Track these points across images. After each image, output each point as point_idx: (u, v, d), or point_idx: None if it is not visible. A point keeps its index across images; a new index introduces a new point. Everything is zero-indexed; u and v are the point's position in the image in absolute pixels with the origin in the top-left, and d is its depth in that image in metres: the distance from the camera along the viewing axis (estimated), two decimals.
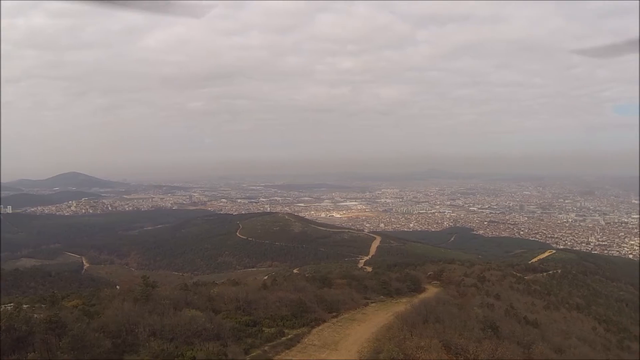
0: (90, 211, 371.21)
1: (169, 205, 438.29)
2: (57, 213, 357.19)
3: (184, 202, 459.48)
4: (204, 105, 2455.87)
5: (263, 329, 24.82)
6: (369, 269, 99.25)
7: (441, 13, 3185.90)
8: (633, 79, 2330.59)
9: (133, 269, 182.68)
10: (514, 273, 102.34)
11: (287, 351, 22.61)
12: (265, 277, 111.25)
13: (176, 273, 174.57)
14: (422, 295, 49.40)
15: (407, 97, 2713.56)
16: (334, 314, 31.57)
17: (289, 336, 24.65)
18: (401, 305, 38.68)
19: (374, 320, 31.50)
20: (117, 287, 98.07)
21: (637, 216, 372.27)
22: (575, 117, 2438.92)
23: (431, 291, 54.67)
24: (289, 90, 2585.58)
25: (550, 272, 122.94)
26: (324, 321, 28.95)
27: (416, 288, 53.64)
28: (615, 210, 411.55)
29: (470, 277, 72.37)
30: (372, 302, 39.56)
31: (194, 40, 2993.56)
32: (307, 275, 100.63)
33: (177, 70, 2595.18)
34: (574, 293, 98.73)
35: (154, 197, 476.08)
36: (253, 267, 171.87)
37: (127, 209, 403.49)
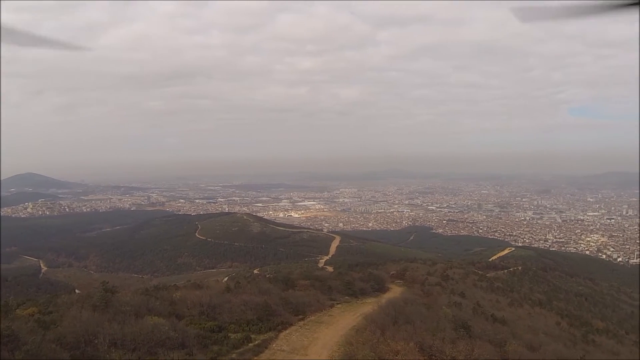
0: (48, 213, 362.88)
1: (127, 206, 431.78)
2: (13, 215, 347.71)
3: (142, 202, 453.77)
4: (165, 104, 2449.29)
5: (229, 334, 23.49)
6: (330, 268, 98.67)
7: (402, 14, 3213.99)
8: (586, 82, 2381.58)
9: (92, 272, 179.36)
10: (476, 271, 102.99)
11: (255, 358, 21.48)
12: (226, 279, 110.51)
13: (136, 275, 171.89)
14: (387, 295, 48.91)
15: (366, 97, 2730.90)
16: (300, 316, 30.47)
17: (257, 342, 23.36)
18: (367, 306, 38.05)
19: (341, 322, 30.56)
20: (77, 291, 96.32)
21: (593, 214, 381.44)
22: (533, 118, 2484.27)
23: (395, 291, 54.14)
24: (248, 90, 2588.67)
25: (511, 269, 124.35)
26: (291, 324, 27.87)
27: (380, 288, 53.01)
28: (571, 208, 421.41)
29: (433, 275, 72.16)
30: (337, 303, 38.55)
31: (155, 38, 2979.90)
32: (267, 275, 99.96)
33: (137, 69, 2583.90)
34: (535, 289, 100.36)
35: (112, 198, 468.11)
36: (213, 268, 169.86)
37: (85, 210, 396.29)
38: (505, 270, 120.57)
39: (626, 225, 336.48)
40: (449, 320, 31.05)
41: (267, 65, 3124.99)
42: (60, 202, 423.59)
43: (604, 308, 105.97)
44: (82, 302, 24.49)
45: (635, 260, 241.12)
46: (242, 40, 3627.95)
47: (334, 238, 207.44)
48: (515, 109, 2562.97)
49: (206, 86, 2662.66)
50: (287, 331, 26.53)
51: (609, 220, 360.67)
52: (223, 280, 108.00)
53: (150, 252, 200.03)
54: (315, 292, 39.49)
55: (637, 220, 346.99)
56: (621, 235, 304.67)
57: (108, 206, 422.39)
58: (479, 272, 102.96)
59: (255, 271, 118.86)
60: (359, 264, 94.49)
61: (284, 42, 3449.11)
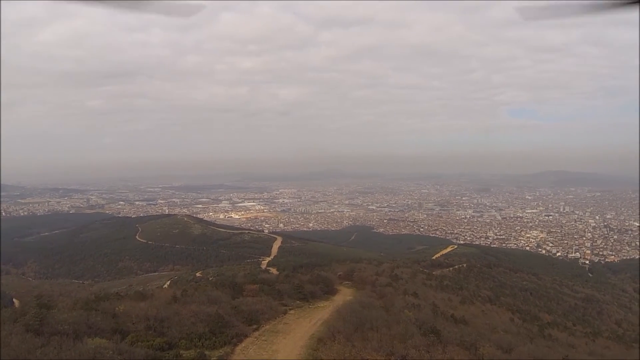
0: None
1: (66, 209, 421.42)
2: None
3: (81, 205, 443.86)
4: (104, 103, 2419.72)
5: (181, 352, 21.00)
6: (274, 270, 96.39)
7: (345, 15, 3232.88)
8: (525, 85, 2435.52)
9: (31, 279, 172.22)
10: (422, 269, 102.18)
11: None
12: (169, 282, 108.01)
13: (76, 281, 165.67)
14: (337, 298, 47.67)
15: (306, 97, 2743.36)
16: (254, 326, 28.17)
17: (213, 359, 21.29)
18: (321, 311, 36.71)
19: (298, 330, 28.54)
20: (14, 300, 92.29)
21: (532, 211, 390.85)
22: (472, 119, 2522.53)
23: (344, 292, 52.70)
24: (188, 89, 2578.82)
25: (456, 266, 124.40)
26: (246, 336, 25.63)
27: (329, 290, 51.39)
28: (511, 206, 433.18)
29: (382, 275, 70.46)
30: (290, 309, 36.48)
31: (94, 35, 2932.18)
32: (211, 278, 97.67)
33: (76, 67, 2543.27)
34: (482, 286, 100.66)
35: (50, 201, 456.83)
36: (154, 272, 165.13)
37: (22, 214, 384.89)
38: (451, 268, 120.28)
39: (563, 222, 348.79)
40: (412, 324, 29.35)
41: (208, 65, 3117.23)
42: None
43: (548, 301, 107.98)
44: (14, 321, 21.68)
45: (573, 255, 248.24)
46: (183, 39, 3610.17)
47: (276, 239, 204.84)
48: (455, 109, 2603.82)
49: (146, 85, 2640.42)
50: (243, 344, 24.32)
51: (547, 217, 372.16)
52: (165, 285, 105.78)
53: (91, 256, 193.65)
54: (266, 298, 37.28)
55: (574, 216, 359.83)
56: (559, 231, 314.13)
57: (46, 209, 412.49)
58: (425, 270, 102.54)
59: (198, 274, 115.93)
60: (303, 265, 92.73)
61: (226, 41, 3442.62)
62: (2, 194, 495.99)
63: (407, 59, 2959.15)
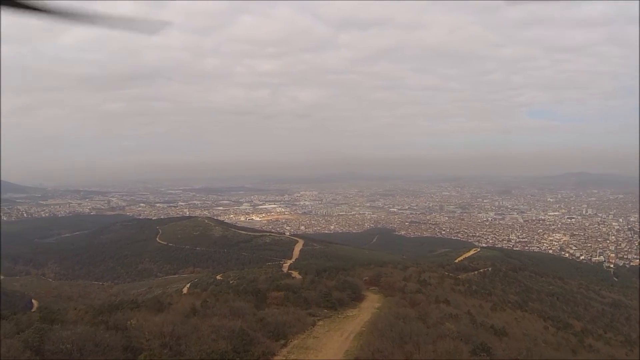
0: (5, 218, 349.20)
1: (87, 210, 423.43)
2: None
3: (102, 207, 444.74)
4: (123, 106, 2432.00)
5: None
6: (296, 273, 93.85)
7: (362, 17, 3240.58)
8: (544, 86, 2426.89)
9: (50, 280, 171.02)
10: (448, 274, 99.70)
11: None
12: (188, 286, 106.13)
13: (96, 282, 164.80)
14: (365, 305, 45.01)
15: (325, 100, 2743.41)
16: (282, 342, 25.48)
17: None
18: (351, 321, 34.02)
19: (330, 346, 25.82)
20: (33, 301, 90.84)
21: (554, 213, 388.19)
22: (491, 120, 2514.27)
23: (372, 299, 50.05)
24: (207, 92, 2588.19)
25: (481, 270, 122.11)
26: (274, 354, 22.86)
27: (357, 296, 48.73)
28: (532, 209, 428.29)
29: (410, 281, 67.72)
30: (318, 319, 33.63)
31: (113, 38, 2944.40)
32: (231, 282, 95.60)
33: (95, 70, 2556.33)
34: (508, 290, 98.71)
35: (71, 203, 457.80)
36: (174, 274, 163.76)
37: (43, 215, 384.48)
38: (476, 272, 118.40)
39: (586, 224, 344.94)
40: (456, 338, 26.68)
41: (227, 68, 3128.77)
42: (18, 207, 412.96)
43: (575, 307, 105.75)
44: (13, 335, 19.24)
45: (597, 258, 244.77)
46: (202, 41, 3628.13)
47: (297, 241, 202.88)
48: (473, 111, 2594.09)
49: (165, 88, 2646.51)
50: None
51: (569, 220, 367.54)
52: (185, 288, 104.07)
53: (111, 258, 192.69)
54: (293, 309, 34.60)
55: (597, 219, 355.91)
56: (582, 234, 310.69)
57: (67, 211, 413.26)
58: (451, 274, 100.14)
59: (219, 277, 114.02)
60: (327, 269, 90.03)
61: (244, 44, 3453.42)
62: (23, 195, 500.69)
63: (424, 60, 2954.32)
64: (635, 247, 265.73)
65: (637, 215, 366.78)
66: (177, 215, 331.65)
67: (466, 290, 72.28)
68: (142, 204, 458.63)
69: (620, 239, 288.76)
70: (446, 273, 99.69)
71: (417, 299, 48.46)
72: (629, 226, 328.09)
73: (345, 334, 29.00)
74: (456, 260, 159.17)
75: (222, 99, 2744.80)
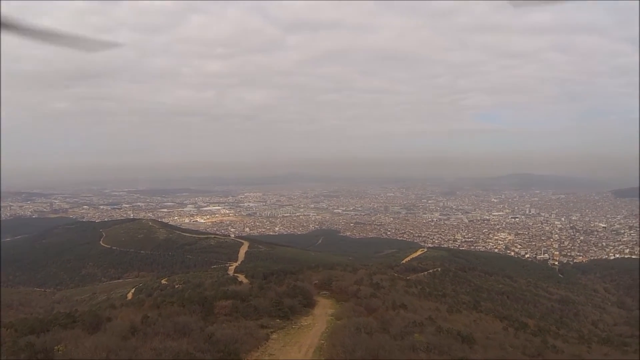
0: None
1: (29, 213, 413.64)
2: None
3: (45, 209, 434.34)
4: (69, 106, 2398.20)
5: None
6: (243, 277, 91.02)
7: (313, 19, 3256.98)
8: (490, 90, 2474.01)
9: None
10: (398, 275, 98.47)
11: None
12: (132, 291, 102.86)
13: (38, 289, 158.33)
14: (318, 311, 42.98)
15: (272, 101, 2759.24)
16: None
17: None
18: (307, 332, 31.61)
19: None
20: None
21: (498, 213, 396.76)
22: (438, 123, 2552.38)
23: (324, 304, 47.95)
24: (154, 92, 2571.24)
25: (430, 270, 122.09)
26: None
27: (309, 302, 46.34)
28: (477, 209, 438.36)
29: (362, 284, 65.31)
30: (271, 332, 30.76)
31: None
32: (177, 286, 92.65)
33: (40, 67, 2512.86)
34: (459, 290, 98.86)
35: (12, 205, 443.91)
36: (119, 279, 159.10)
37: None
38: (425, 273, 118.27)
39: (530, 224, 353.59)
40: (426, 350, 24.22)
41: (175, 68, 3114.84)
42: None
43: (525, 304, 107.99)
44: None
45: (542, 256, 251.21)
46: (151, 40, 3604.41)
47: (242, 243, 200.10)
48: (420, 114, 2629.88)
49: (113, 88, 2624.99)
50: None
51: (513, 219, 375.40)
52: (129, 294, 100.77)
53: (53, 263, 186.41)
54: (243, 322, 31.60)
55: (540, 218, 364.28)
56: (526, 233, 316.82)
57: (8, 214, 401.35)
58: (399, 275, 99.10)
59: (164, 281, 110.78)
60: (274, 273, 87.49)
61: (194, 44, 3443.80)
62: None
63: (373, 63, 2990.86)
64: (577, 245, 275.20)
65: (578, 214, 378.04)
66: (121, 218, 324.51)
67: (420, 293, 70.41)
68: (85, 206, 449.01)
69: (563, 237, 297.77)
70: (396, 274, 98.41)
71: (373, 304, 46.04)
72: (571, 225, 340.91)
73: (304, 348, 26.26)
74: (403, 261, 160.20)
75: (169, 100, 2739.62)
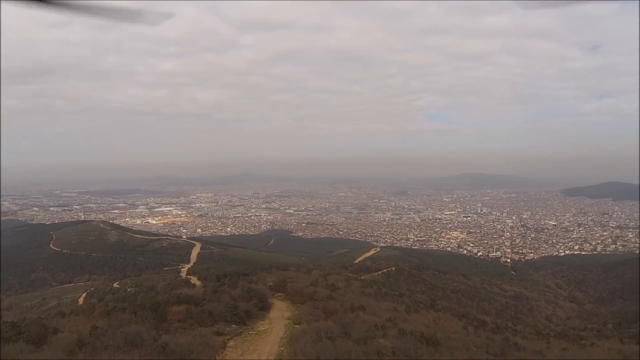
0: None
1: None
2: None
3: None
4: (19, 103, 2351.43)
5: None
6: (196, 279, 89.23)
7: (268, 18, 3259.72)
8: (443, 91, 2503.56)
9: None
10: (353, 275, 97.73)
11: None
12: (84, 295, 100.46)
13: None
14: (274, 314, 41.46)
15: (225, 101, 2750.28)
16: None
17: None
18: (265, 339, 30.21)
19: None
20: None
21: (450, 212, 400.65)
22: (390, 123, 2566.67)
23: (280, 307, 46.59)
24: (107, 91, 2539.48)
25: (385, 270, 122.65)
26: None
27: (264, 306, 44.92)
28: (429, 208, 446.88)
29: (317, 286, 64.16)
30: (228, 339, 29.28)
31: (10, 30, 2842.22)
32: (129, 289, 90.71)
33: None
34: (414, 289, 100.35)
35: None
36: (70, 283, 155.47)
37: None
38: (380, 272, 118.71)
39: (482, 222, 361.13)
40: (393, 356, 23.17)
41: (128, 66, 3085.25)
42: None
43: (480, 302, 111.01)
44: None
45: (494, 254, 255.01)
46: (103, 38, 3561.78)
47: (194, 245, 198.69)
48: (373, 114, 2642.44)
49: (64, 85, 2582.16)
50: None
51: (465, 218, 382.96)
52: (81, 298, 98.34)
53: (1, 267, 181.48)
54: (198, 329, 30.14)
55: (491, 217, 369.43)
56: (478, 231, 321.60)
57: None
58: (353, 275, 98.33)
59: (116, 285, 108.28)
60: (228, 275, 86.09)
61: (147, 42, 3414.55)
62: None
63: (327, 63, 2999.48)
64: (528, 242, 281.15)
65: (528, 213, 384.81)
66: (72, 220, 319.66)
67: (376, 293, 69.73)
68: (35, 208, 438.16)
69: (515, 235, 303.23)
70: (351, 275, 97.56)
71: (331, 306, 44.85)
72: (522, 223, 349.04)
73: (263, 356, 24.95)
74: (357, 261, 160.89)
75: (122, 98, 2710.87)
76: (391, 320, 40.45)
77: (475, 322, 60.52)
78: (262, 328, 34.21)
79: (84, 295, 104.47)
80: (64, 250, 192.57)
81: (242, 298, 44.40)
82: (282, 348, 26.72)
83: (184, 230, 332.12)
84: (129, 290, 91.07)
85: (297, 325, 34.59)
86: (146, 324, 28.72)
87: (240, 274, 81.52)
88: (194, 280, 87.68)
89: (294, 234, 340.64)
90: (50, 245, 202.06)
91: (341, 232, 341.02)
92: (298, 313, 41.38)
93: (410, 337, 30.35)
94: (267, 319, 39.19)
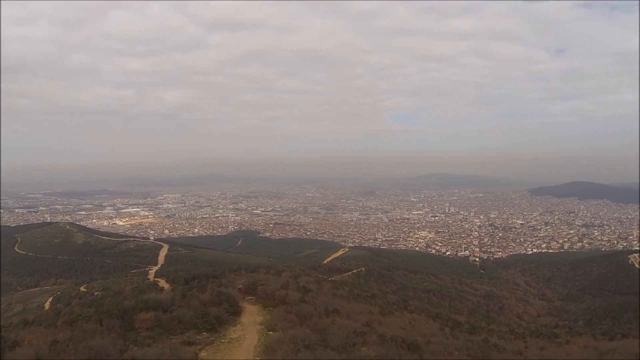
0: None
1: None
2: None
3: None
4: None
5: None
6: (164, 282, 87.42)
7: (235, 18, 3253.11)
8: (410, 92, 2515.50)
9: None
10: (323, 276, 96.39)
11: None
12: (50, 300, 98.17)
13: None
14: (245, 319, 40.02)
15: (192, 101, 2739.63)
16: None
17: None
18: (239, 348, 29.04)
19: None
20: None
21: (418, 212, 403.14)
22: (357, 124, 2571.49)
23: (251, 311, 45.06)
24: (73, 90, 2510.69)
25: (355, 271, 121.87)
26: None
27: (235, 310, 43.50)
28: (397, 208, 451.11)
29: (289, 288, 62.79)
30: (199, 348, 27.92)
31: None
32: (96, 293, 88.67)
33: None
34: (385, 290, 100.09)
35: None
36: (36, 287, 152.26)
37: None
38: (350, 273, 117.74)
39: (450, 222, 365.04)
40: None
41: (95, 65, 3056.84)
42: None
43: (452, 301, 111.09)
44: None
45: (463, 253, 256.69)
46: (70, 36, 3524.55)
47: (162, 246, 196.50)
48: (340, 115, 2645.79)
49: (30, 83, 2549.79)
50: None
51: (433, 218, 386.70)
52: (47, 303, 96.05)
53: None
54: (168, 339, 28.64)
55: (459, 216, 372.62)
56: (446, 231, 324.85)
57: None
58: (326, 277, 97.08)
59: (82, 288, 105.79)
60: (196, 277, 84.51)
61: (114, 40, 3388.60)
62: None
63: (294, 64, 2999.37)
64: (496, 241, 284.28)
65: (496, 212, 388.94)
66: (38, 222, 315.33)
67: (348, 295, 68.81)
68: None
69: (483, 234, 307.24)
70: (321, 276, 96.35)
71: (304, 310, 43.48)
72: (490, 222, 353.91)
73: None
74: (325, 261, 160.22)
75: (88, 98, 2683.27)
76: (369, 324, 39.48)
77: (450, 322, 60.33)
78: (235, 335, 32.88)
79: (50, 299, 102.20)
80: (29, 254, 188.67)
81: (212, 303, 42.81)
82: (257, 358, 25.48)
83: (151, 232, 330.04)
84: (95, 294, 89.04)
85: (271, 332, 33.42)
86: (112, 334, 27.21)
87: (209, 276, 79.76)
88: (162, 283, 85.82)
89: (261, 235, 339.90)
90: (15, 248, 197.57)
91: (309, 233, 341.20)
92: (271, 318, 40.11)
93: (391, 343, 29.24)
94: (239, 324, 37.87)
